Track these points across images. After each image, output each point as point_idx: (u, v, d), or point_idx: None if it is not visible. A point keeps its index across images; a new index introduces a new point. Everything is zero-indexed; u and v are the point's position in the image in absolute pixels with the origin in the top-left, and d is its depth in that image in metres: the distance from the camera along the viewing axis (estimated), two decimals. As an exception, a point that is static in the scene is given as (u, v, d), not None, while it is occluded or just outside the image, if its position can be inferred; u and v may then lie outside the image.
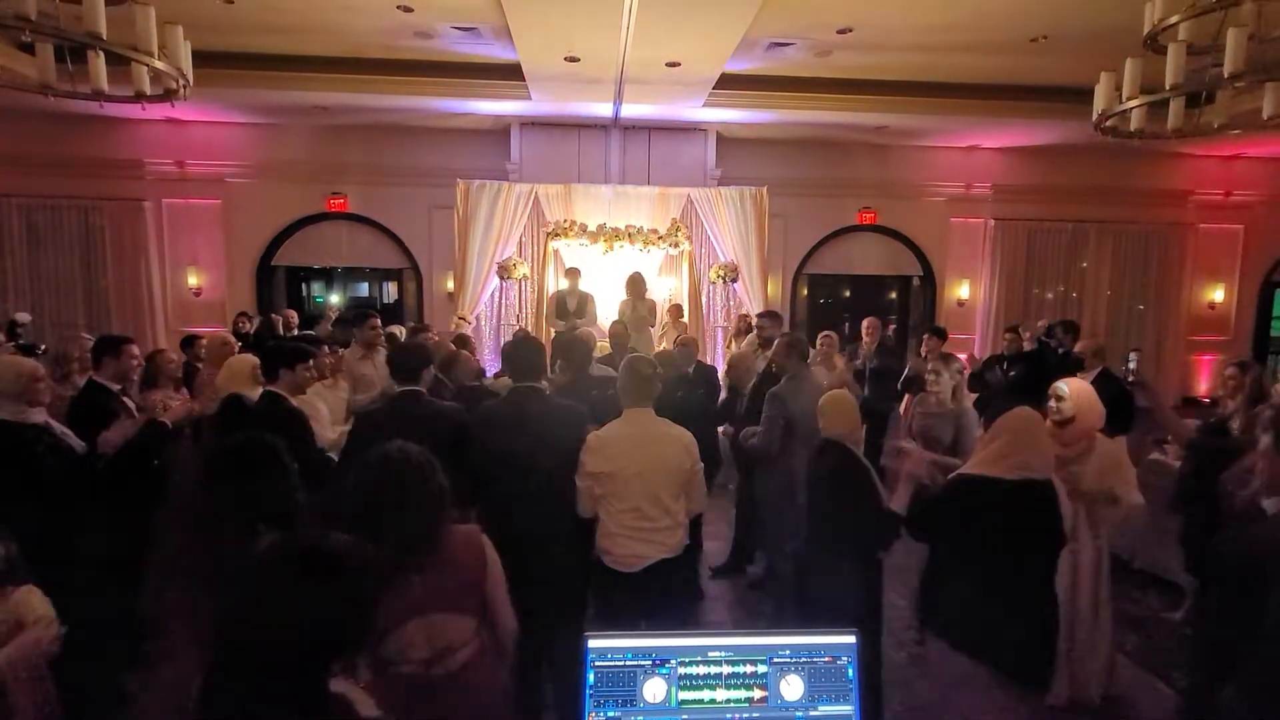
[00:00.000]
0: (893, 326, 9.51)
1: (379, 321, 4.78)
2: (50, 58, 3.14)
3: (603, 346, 5.87)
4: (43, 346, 4.76)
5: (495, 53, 6.14)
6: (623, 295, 6.99)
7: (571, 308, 6.81)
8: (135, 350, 3.54)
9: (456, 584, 1.84)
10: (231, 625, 1.12)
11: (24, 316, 4.98)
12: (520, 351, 3.03)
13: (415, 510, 1.76)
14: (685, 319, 7.30)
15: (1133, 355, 5.41)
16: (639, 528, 2.66)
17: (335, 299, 9.17)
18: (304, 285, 9.96)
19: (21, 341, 4.41)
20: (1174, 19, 3.04)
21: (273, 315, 7.49)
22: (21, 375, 2.81)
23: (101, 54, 3.06)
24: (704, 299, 7.86)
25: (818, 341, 5.39)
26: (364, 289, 11.74)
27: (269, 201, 8.16)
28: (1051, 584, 2.35)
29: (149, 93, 3.41)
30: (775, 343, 4.27)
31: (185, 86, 3.50)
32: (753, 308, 7.68)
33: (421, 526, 1.77)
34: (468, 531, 1.96)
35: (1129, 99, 3.43)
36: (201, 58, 3.87)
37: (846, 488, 2.67)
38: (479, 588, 1.89)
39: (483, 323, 7.69)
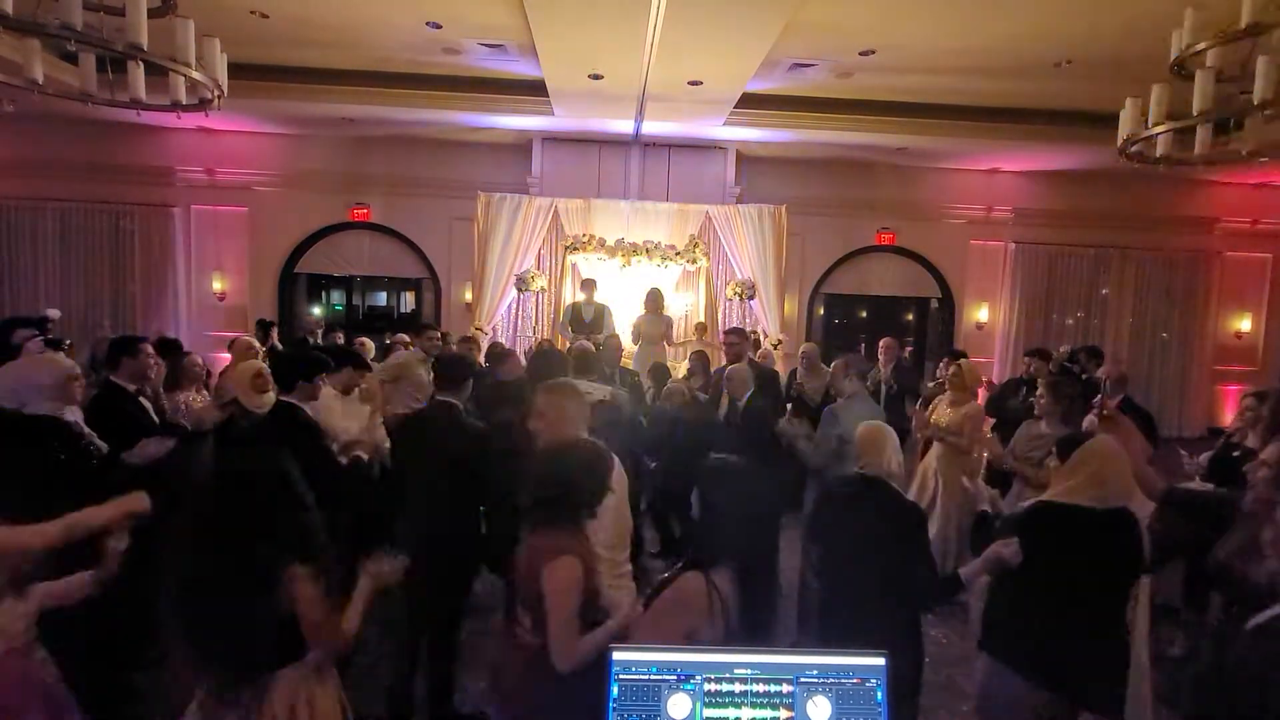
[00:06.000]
0: (909, 348, 9.44)
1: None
2: (92, 67, 3.22)
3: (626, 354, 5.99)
4: (69, 341, 4.87)
5: (520, 69, 6.24)
6: (640, 310, 7.01)
7: (587, 319, 6.85)
8: (150, 350, 3.53)
9: None
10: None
11: (54, 313, 5.12)
12: (543, 363, 3.05)
13: None
14: (708, 336, 7.27)
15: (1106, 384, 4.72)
16: (615, 574, 2.42)
17: (318, 311, 9.07)
18: (324, 293, 10.10)
19: (51, 336, 4.53)
20: (1202, 45, 3.02)
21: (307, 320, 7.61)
22: (59, 374, 2.87)
23: (141, 64, 3.14)
24: (720, 315, 7.87)
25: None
26: (383, 298, 11.89)
27: (294, 210, 8.31)
28: (1124, 612, 2.34)
29: (185, 102, 3.50)
30: (833, 364, 4.32)
31: (219, 97, 3.59)
32: (769, 325, 7.67)
33: None
34: None
35: (1155, 125, 3.41)
36: (235, 69, 3.96)
37: (899, 537, 2.42)
38: None
39: (499, 334, 7.75)
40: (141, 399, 3.46)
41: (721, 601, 1.72)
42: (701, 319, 7.53)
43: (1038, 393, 4.10)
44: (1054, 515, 2.28)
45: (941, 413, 4.59)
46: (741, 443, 3.99)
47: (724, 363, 5.37)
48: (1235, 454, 3.73)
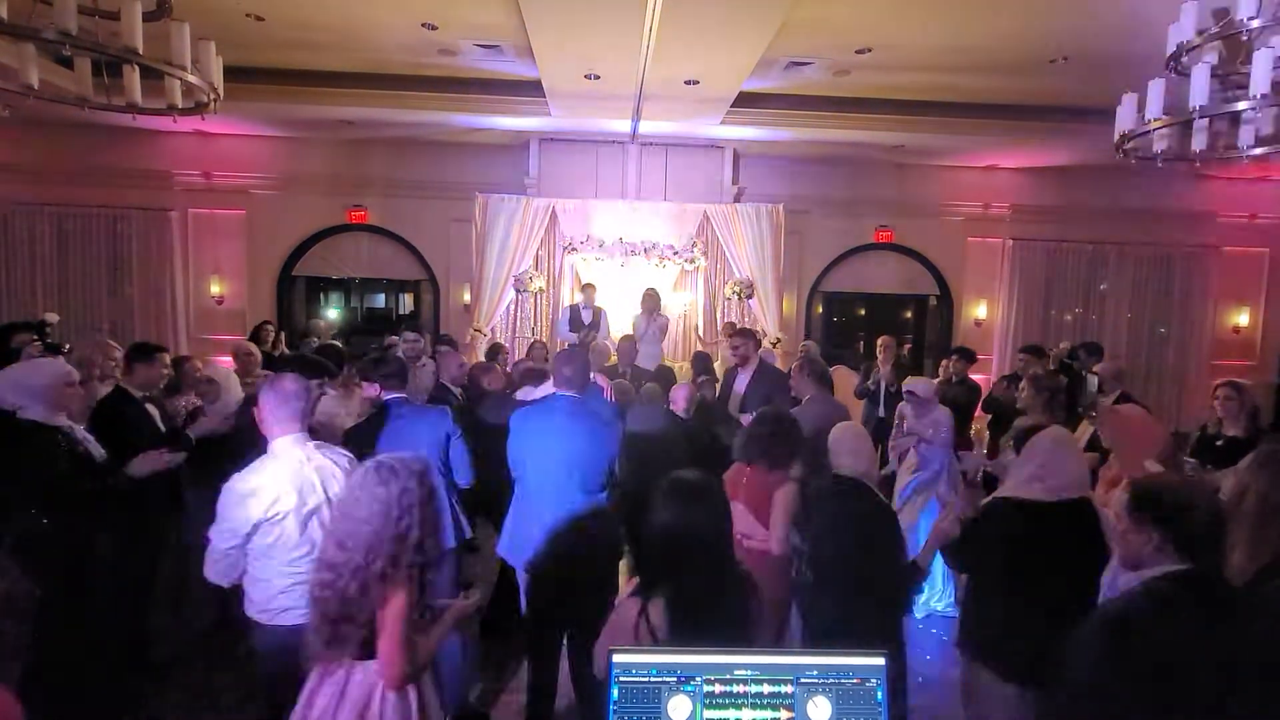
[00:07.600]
0: (908, 346, 9.45)
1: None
2: (88, 72, 3.22)
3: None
4: (68, 345, 4.88)
5: (517, 70, 6.23)
6: (638, 310, 7.02)
7: (586, 321, 6.86)
8: (167, 359, 3.57)
9: None
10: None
11: (53, 317, 5.12)
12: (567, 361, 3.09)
13: None
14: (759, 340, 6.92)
15: (1092, 379, 4.79)
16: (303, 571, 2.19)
17: (330, 314, 9.10)
18: (323, 295, 10.09)
19: (50, 340, 4.52)
20: (1199, 41, 3.02)
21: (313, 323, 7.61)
22: (54, 378, 2.85)
23: (137, 68, 3.14)
24: (719, 315, 7.87)
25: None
26: (381, 300, 11.88)
27: (291, 213, 8.30)
28: (1092, 601, 2.32)
29: (181, 106, 3.49)
30: (791, 366, 4.25)
31: (216, 100, 3.58)
32: (768, 324, 7.67)
33: None
34: None
35: (1152, 121, 3.41)
36: (232, 72, 3.96)
37: (877, 536, 2.46)
38: None
39: (499, 335, 7.74)
40: (148, 405, 3.46)
41: (651, 633, 1.67)
42: (732, 319, 7.53)
43: (1020, 386, 4.15)
44: (1008, 511, 2.28)
45: (911, 422, 4.59)
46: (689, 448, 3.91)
47: (731, 365, 5.20)
48: (1218, 443, 3.81)
